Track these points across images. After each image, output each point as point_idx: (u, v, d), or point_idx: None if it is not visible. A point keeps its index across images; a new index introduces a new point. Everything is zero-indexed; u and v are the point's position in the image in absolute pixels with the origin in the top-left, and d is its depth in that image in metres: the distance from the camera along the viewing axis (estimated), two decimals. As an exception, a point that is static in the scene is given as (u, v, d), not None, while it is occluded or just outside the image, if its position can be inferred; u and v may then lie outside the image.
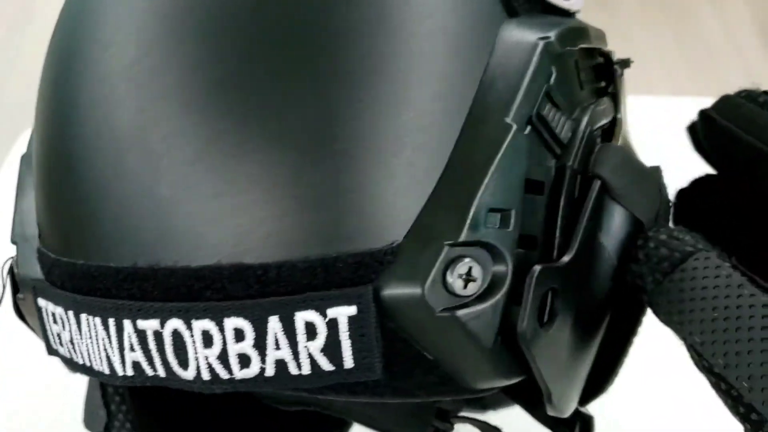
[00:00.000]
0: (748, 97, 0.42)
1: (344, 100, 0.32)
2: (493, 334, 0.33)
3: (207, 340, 0.33)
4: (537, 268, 0.33)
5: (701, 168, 0.45)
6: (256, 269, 0.32)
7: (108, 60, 0.35)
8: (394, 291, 0.32)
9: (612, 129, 0.41)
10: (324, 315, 0.32)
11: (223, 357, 0.33)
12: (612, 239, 0.38)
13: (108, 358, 0.35)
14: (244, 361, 0.33)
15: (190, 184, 0.33)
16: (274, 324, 0.32)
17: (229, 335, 0.32)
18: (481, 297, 0.33)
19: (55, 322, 0.37)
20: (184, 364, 0.33)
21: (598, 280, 0.37)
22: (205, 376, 0.33)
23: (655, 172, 0.40)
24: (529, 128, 0.34)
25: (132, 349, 0.34)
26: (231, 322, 0.32)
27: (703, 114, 0.42)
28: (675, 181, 0.46)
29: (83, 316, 0.35)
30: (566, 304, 0.35)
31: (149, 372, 0.34)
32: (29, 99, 0.42)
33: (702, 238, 0.37)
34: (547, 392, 0.36)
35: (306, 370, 0.33)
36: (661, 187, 0.40)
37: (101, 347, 0.35)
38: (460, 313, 0.32)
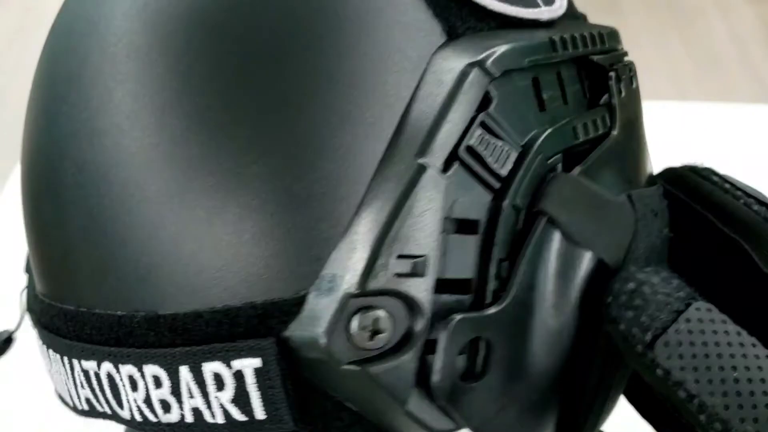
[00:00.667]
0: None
1: (249, 153, 0.31)
2: (409, 388, 0.31)
3: (133, 384, 0.33)
4: (455, 318, 0.31)
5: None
6: (168, 318, 0.32)
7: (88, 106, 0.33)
8: (297, 342, 0.31)
9: (596, 145, 0.37)
10: (230, 366, 0.31)
11: (148, 401, 0.33)
12: (569, 282, 0.35)
13: (69, 392, 0.36)
14: (166, 406, 0.33)
15: (118, 238, 0.33)
16: (185, 373, 0.32)
17: (150, 381, 0.33)
18: (394, 349, 0.31)
19: (42, 353, 0.38)
20: (119, 404, 0.34)
21: (550, 327, 0.34)
22: (137, 417, 0.34)
23: (627, 203, 0.37)
24: (456, 164, 0.32)
25: (82, 386, 0.35)
26: (149, 369, 0.33)
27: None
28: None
29: (50, 352, 0.36)
30: (506, 354, 0.33)
31: (99, 408, 0.35)
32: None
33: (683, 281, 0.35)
34: None
35: (220, 419, 0.32)
36: (639, 219, 0.37)
37: (63, 381, 0.36)
38: (369, 367, 0.31)
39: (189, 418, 0.33)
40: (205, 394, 0.32)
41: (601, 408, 0.38)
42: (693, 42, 1.42)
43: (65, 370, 0.35)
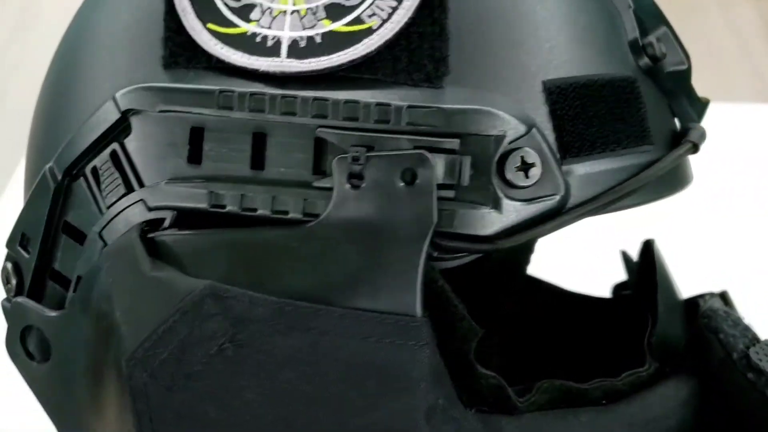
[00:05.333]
0: None
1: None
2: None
3: None
4: (13, 300, 0.39)
5: (704, 171, 0.44)
6: None
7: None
8: None
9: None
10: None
11: None
12: (102, 342, 0.36)
13: None
14: None
15: None
16: None
17: None
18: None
19: None
20: None
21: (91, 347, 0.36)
22: None
23: (192, 290, 0.33)
24: (81, 179, 0.37)
25: None
26: None
27: None
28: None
29: None
30: (66, 350, 0.37)
31: None
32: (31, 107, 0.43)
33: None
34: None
35: None
36: (181, 310, 0.33)
37: None
38: (5, 302, 0.40)
39: None
40: None
41: None
42: (692, 37, 1.42)
43: None
